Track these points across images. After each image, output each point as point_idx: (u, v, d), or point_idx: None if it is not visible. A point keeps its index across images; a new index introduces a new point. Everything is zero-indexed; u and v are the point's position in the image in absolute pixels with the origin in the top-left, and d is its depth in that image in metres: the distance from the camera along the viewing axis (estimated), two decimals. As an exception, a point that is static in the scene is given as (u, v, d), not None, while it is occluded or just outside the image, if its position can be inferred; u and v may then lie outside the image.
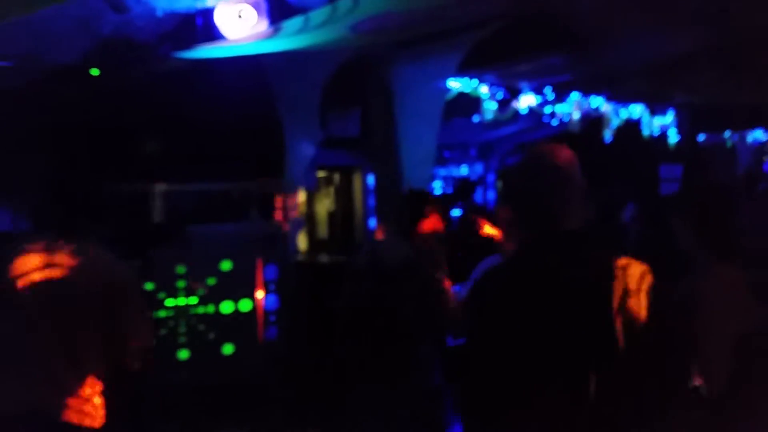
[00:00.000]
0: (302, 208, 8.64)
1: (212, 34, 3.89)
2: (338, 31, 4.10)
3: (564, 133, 7.59)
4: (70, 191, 3.03)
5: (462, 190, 8.54)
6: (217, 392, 5.61)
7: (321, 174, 8.76)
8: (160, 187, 6.22)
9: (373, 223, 8.05)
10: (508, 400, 1.80)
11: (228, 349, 5.91)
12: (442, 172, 9.18)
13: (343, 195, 9.10)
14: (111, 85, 5.08)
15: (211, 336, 5.87)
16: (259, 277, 6.17)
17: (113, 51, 4.26)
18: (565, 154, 1.96)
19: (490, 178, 9.32)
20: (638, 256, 1.86)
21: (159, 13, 3.86)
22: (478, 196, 9.20)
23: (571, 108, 7.08)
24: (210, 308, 5.87)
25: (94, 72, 4.77)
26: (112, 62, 4.47)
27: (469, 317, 2.06)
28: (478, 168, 9.58)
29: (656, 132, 9.31)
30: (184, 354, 5.83)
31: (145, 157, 6.30)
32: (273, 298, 6.20)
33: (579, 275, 1.78)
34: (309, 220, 9.22)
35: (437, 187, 8.67)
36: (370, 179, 8.22)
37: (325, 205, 9.30)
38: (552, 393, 1.74)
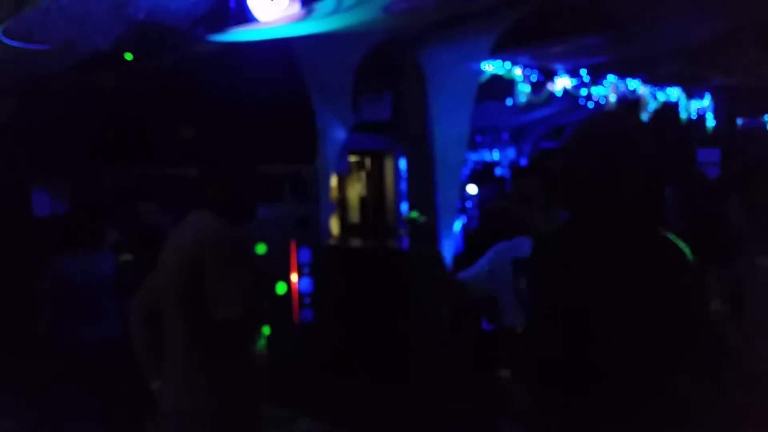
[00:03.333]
0: (334, 193, 8.65)
1: (245, 16, 3.89)
2: (371, 12, 4.06)
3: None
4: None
5: (482, 174, 8.46)
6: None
7: (353, 158, 8.76)
8: (194, 171, 6.27)
9: (404, 207, 8.03)
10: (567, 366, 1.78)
11: (264, 330, 5.98)
12: (474, 156, 9.11)
13: (375, 179, 9.09)
14: (144, 69, 5.11)
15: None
16: (294, 260, 6.21)
17: (147, 35, 4.28)
18: (632, 120, 1.89)
19: (523, 162, 9.22)
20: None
21: (192, -4, 3.86)
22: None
23: (608, 90, 6.96)
24: (245, 291, 5.94)
25: (128, 57, 4.81)
26: (145, 47, 4.49)
27: (533, 290, 1.98)
28: (510, 152, 9.49)
29: (693, 115, 9.12)
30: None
31: (178, 141, 6.35)
32: (308, 281, 6.24)
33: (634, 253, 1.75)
34: (340, 204, 9.24)
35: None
36: (402, 163, 8.19)
37: (356, 190, 9.30)
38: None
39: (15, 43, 3.90)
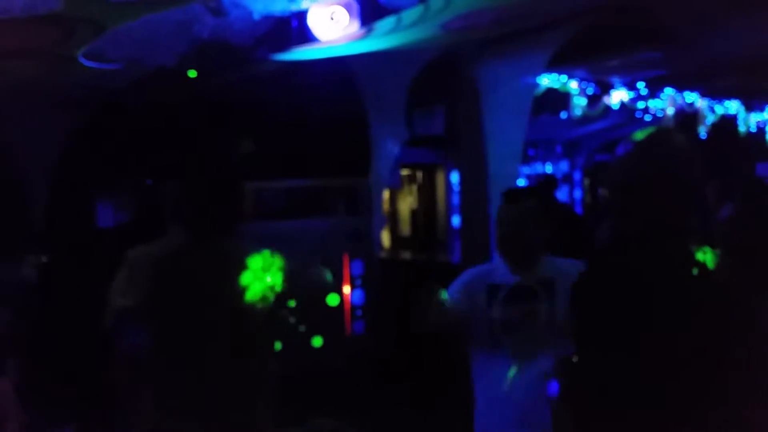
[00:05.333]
0: (386, 206, 8.72)
1: (306, 36, 3.97)
2: (429, 30, 4.11)
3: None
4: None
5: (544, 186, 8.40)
6: (307, 383, 5.75)
7: (404, 172, 8.81)
8: (253, 185, 6.39)
9: (456, 220, 8.03)
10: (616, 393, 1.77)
11: (317, 341, 6.07)
12: (527, 170, 9.07)
13: (426, 193, 9.13)
14: (207, 86, 5.25)
15: (302, 329, 6.03)
16: (346, 272, 6.29)
17: (211, 54, 4.41)
18: (684, 139, 1.87)
19: (577, 175, 9.14)
20: (734, 257, 1.80)
21: (255, 16, 3.97)
22: (563, 194, 9.03)
23: (665, 103, 6.86)
24: (300, 301, 6.04)
25: (192, 74, 4.96)
26: (209, 64, 4.63)
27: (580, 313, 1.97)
28: (564, 165, 9.41)
29: (753, 128, 8.91)
30: (276, 345, 6.03)
31: (239, 155, 6.49)
32: (360, 293, 6.31)
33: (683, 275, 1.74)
34: (392, 217, 9.30)
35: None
36: (454, 177, 8.21)
37: (408, 203, 9.35)
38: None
39: (91, 64, 4.06)
